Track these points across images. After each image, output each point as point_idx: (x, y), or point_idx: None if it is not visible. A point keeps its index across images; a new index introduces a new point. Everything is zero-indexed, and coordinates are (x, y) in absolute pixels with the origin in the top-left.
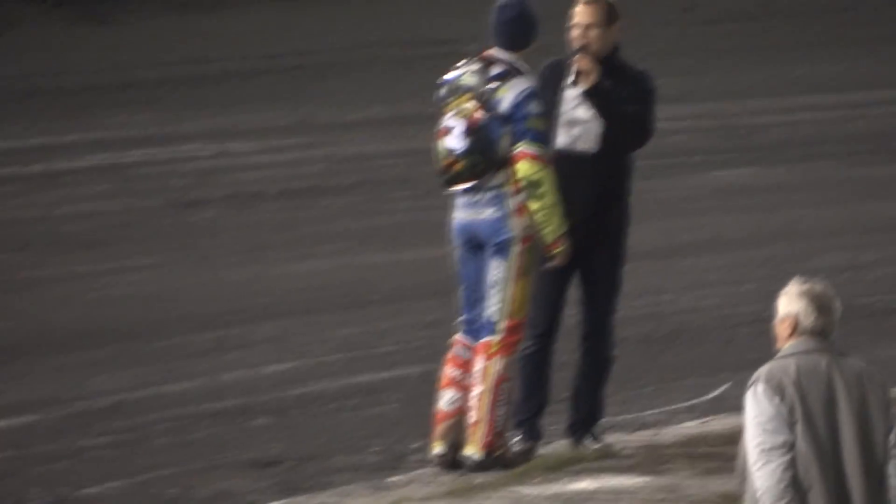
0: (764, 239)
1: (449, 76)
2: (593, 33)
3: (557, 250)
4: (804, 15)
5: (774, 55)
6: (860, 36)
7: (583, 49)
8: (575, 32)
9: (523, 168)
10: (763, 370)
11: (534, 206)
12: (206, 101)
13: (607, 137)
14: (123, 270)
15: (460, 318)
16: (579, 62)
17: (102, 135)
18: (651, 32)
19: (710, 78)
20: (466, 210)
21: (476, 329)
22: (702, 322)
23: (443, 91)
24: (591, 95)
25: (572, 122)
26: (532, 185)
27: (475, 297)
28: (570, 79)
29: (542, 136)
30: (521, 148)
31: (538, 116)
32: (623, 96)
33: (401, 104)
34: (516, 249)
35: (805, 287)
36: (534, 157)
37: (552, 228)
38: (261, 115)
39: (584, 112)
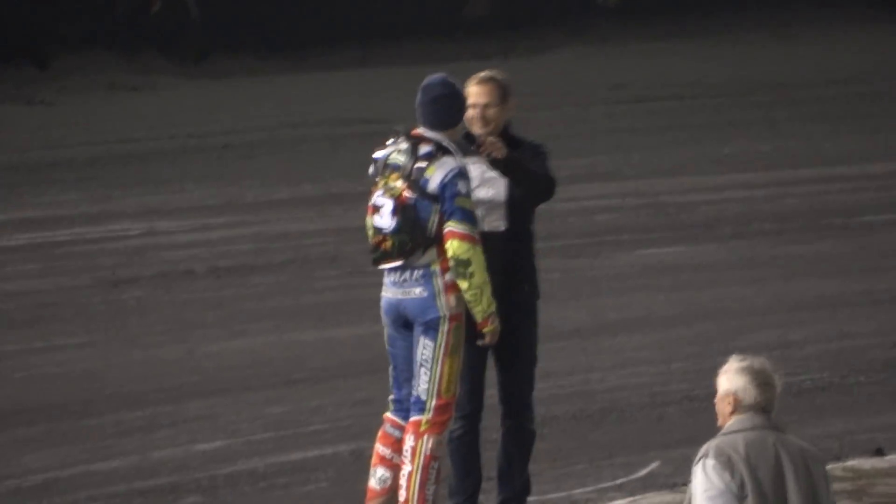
0: (693, 317)
1: (378, 154)
2: (490, 112)
3: (488, 329)
4: (732, 94)
5: (703, 133)
6: (788, 115)
7: (484, 132)
8: (471, 112)
9: (452, 247)
10: (711, 445)
11: (463, 285)
12: (135, 180)
13: (513, 213)
14: (53, 349)
15: (390, 397)
16: (486, 143)
17: (31, 213)
18: (580, 111)
19: (638, 156)
20: (395, 289)
21: (406, 408)
22: (631, 400)
23: (372, 168)
24: (504, 164)
25: (476, 204)
26: (461, 265)
27: (405, 376)
28: (473, 159)
29: (471, 216)
30: (451, 227)
31: (466, 196)
32: (527, 160)
33: (329, 183)
34: (444, 328)
35: (745, 364)
36: (463, 237)
37: (482, 308)
38: (189, 193)
39: (485, 192)
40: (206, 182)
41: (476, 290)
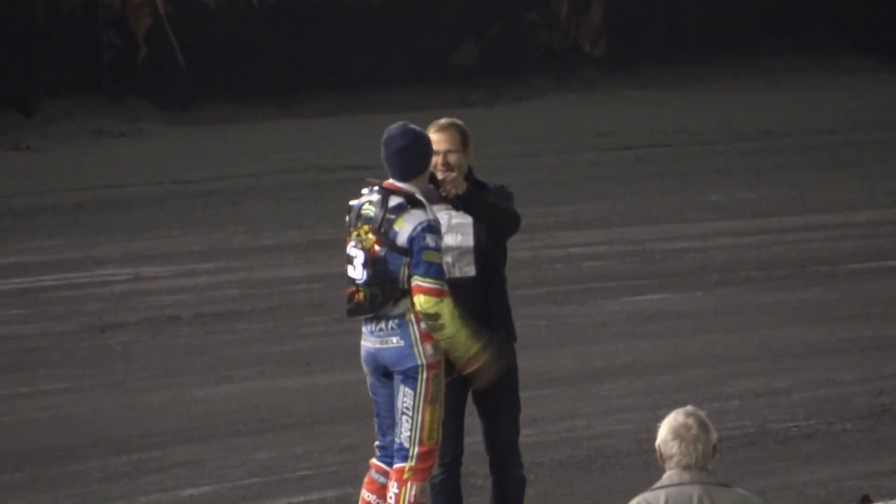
0: (679, 364)
1: (354, 203)
2: (452, 158)
3: (474, 369)
4: (719, 142)
5: (689, 181)
6: (774, 163)
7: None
8: (434, 159)
9: (419, 301)
10: (636, 500)
11: (436, 335)
12: (121, 226)
13: (482, 258)
14: (39, 394)
15: (376, 443)
16: (447, 181)
17: (17, 259)
18: (566, 159)
19: (624, 203)
20: (372, 338)
21: (390, 455)
22: (618, 447)
23: (347, 217)
24: (465, 199)
25: (444, 251)
26: (429, 318)
27: (388, 423)
28: (437, 207)
29: (438, 270)
30: (416, 281)
31: (435, 250)
32: (491, 197)
33: (315, 229)
34: (423, 377)
35: (670, 418)
36: (428, 292)
37: (459, 353)
38: (175, 239)
39: (453, 239)
40: (193, 228)
41: (449, 340)
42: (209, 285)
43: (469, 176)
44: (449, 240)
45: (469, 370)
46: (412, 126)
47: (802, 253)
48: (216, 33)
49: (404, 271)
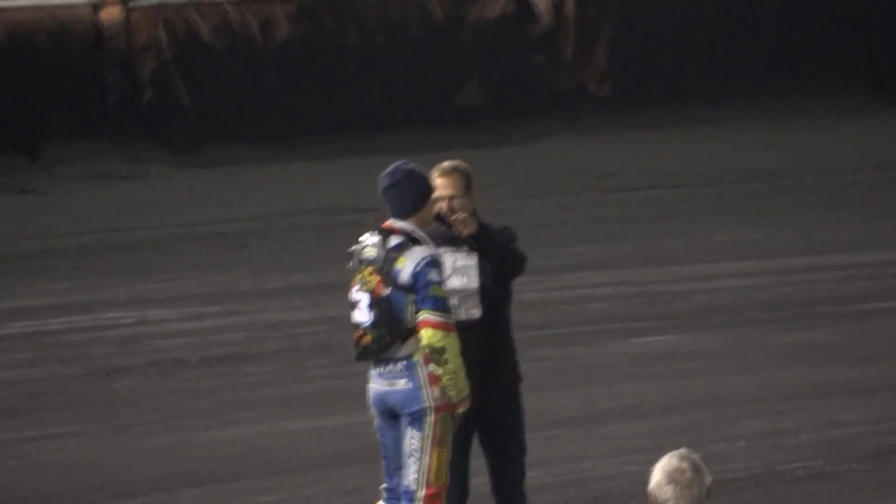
0: (685, 405)
1: (355, 247)
2: (457, 202)
3: (461, 410)
4: (724, 183)
5: (695, 222)
6: (781, 204)
7: (448, 212)
8: (440, 205)
9: (427, 336)
10: None
11: (438, 371)
12: (127, 269)
13: (487, 299)
14: (45, 438)
15: (383, 486)
16: (457, 220)
17: (23, 303)
18: (571, 200)
19: (629, 244)
20: (380, 380)
21: (397, 497)
22: (624, 489)
23: (350, 262)
24: (477, 239)
25: (449, 293)
26: (435, 352)
27: (395, 465)
28: (442, 249)
29: (443, 303)
30: (424, 316)
31: (439, 284)
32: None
33: (321, 271)
34: (430, 419)
35: (664, 462)
36: (436, 325)
37: (457, 392)
38: (181, 282)
39: (458, 281)
40: (198, 271)
41: (451, 375)
42: (215, 328)
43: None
44: (454, 282)
45: (460, 410)
46: (407, 164)
47: (808, 294)
48: (222, 75)
49: (410, 310)
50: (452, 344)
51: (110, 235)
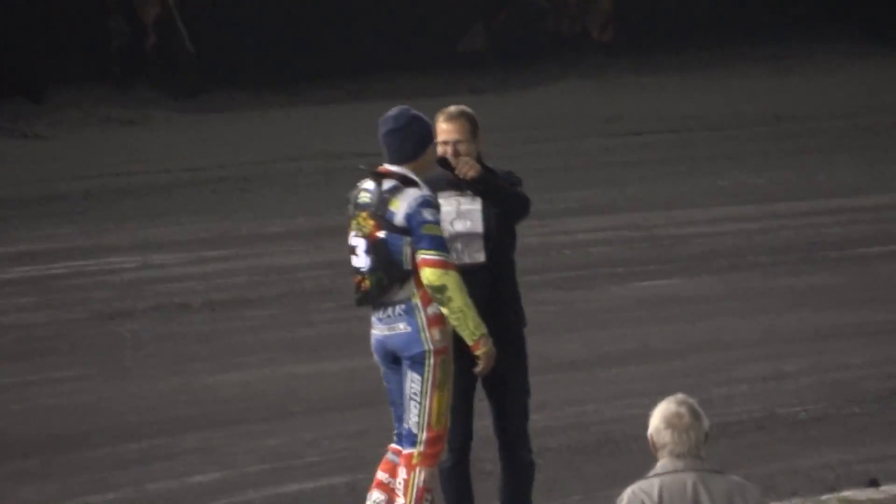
0: (688, 349)
1: (351, 193)
2: (462, 147)
3: (480, 351)
4: (727, 127)
5: (698, 166)
6: (783, 148)
7: (453, 157)
8: (442, 149)
9: (425, 275)
10: (627, 491)
11: (444, 311)
12: (129, 214)
13: (491, 243)
14: (49, 382)
15: (395, 432)
16: (460, 163)
17: (27, 247)
18: (575, 144)
19: (633, 189)
20: (381, 326)
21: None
22: (627, 432)
23: (349, 208)
24: (479, 182)
25: (453, 238)
26: (436, 291)
27: (401, 411)
28: (446, 194)
29: (441, 242)
30: (422, 255)
31: (434, 223)
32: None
33: (323, 216)
34: (431, 362)
35: (661, 407)
36: (434, 264)
37: (469, 331)
38: (184, 227)
39: (462, 225)
40: (201, 216)
41: (458, 314)
42: (218, 273)
43: (478, 162)
44: (458, 226)
45: (479, 351)
46: (410, 110)
47: (811, 238)
48: (225, 21)
49: (407, 251)
50: (453, 281)
51: (113, 180)
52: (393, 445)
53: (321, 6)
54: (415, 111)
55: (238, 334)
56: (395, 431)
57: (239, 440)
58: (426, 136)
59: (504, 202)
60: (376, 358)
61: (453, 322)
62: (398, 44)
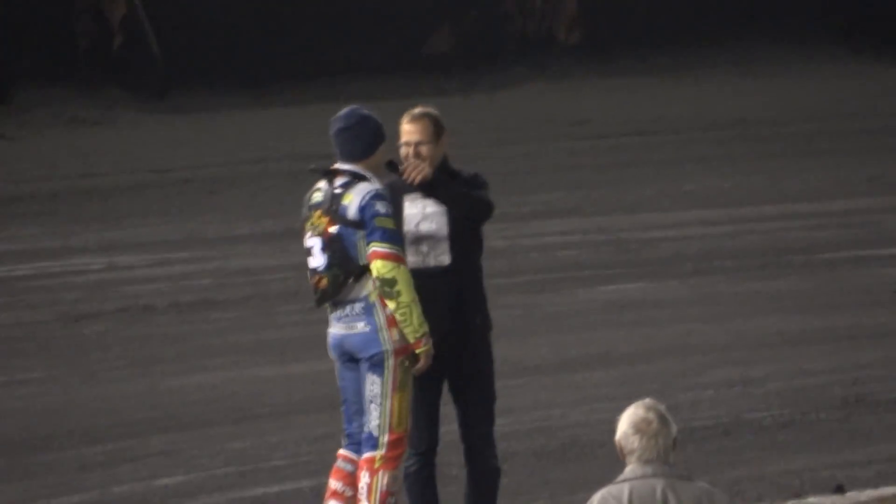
0: (654, 353)
1: (306, 196)
2: (423, 149)
3: (420, 350)
4: (693, 130)
5: (664, 170)
6: (749, 152)
7: (413, 158)
8: (404, 150)
9: (376, 267)
10: (597, 495)
11: (391, 304)
12: (96, 215)
13: (457, 246)
14: (14, 383)
15: (344, 432)
16: (408, 166)
17: None
18: (541, 147)
19: (599, 192)
20: (338, 325)
21: (357, 442)
22: (593, 437)
23: (302, 211)
24: (429, 186)
25: (419, 239)
26: (386, 284)
27: (355, 409)
28: (412, 195)
29: (393, 235)
30: (373, 248)
31: (387, 216)
32: (460, 185)
33: (289, 218)
34: (390, 363)
35: (630, 412)
36: (385, 256)
37: (413, 327)
38: (150, 228)
39: (427, 226)
40: (167, 217)
41: (405, 309)
42: (184, 274)
43: (444, 165)
44: (423, 228)
45: (420, 349)
46: (361, 109)
47: (777, 242)
48: (191, 22)
49: (361, 246)
50: (403, 276)
51: (79, 181)
52: (342, 451)
53: (287, 8)
54: (366, 111)
55: (204, 336)
56: (345, 432)
57: (204, 443)
58: (377, 135)
59: (456, 205)
60: (332, 355)
61: (398, 317)
62: (365, 45)
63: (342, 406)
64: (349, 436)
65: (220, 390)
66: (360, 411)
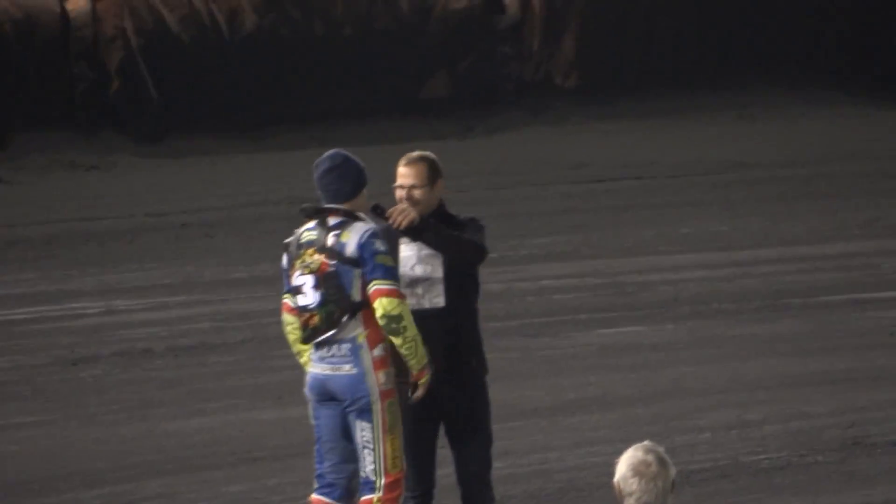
0: (651, 396)
1: (289, 239)
2: (417, 193)
3: (422, 380)
4: (691, 174)
5: (661, 213)
6: (746, 195)
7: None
8: (399, 193)
9: (382, 305)
10: None
11: (397, 340)
12: (94, 259)
13: (453, 288)
14: (11, 427)
15: (315, 472)
16: (394, 211)
17: None
18: (539, 191)
19: (597, 235)
20: (321, 365)
21: (329, 482)
22: (589, 479)
23: (284, 258)
24: (414, 231)
25: (414, 282)
26: (393, 320)
27: (328, 447)
28: (405, 239)
29: (394, 272)
30: (376, 286)
31: (386, 253)
32: (451, 229)
33: None
34: (377, 408)
35: (629, 454)
36: (390, 293)
37: (417, 360)
38: (147, 272)
39: (422, 270)
40: (165, 261)
41: (411, 343)
42: (181, 318)
43: (439, 209)
44: (418, 271)
45: (423, 380)
46: (343, 152)
47: (775, 285)
48: (188, 66)
49: (357, 284)
50: (407, 311)
51: (77, 225)
52: (314, 497)
53: (286, 53)
54: (349, 154)
55: (201, 380)
56: (317, 472)
57: (202, 486)
58: (360, 177)
59: (444, 249)
60: (308, 395)
61: (404, 352)
62: (362, 89)
63: (315, 445)
64: (320, 477)
65: (217, 433)
66: (334, 448)
